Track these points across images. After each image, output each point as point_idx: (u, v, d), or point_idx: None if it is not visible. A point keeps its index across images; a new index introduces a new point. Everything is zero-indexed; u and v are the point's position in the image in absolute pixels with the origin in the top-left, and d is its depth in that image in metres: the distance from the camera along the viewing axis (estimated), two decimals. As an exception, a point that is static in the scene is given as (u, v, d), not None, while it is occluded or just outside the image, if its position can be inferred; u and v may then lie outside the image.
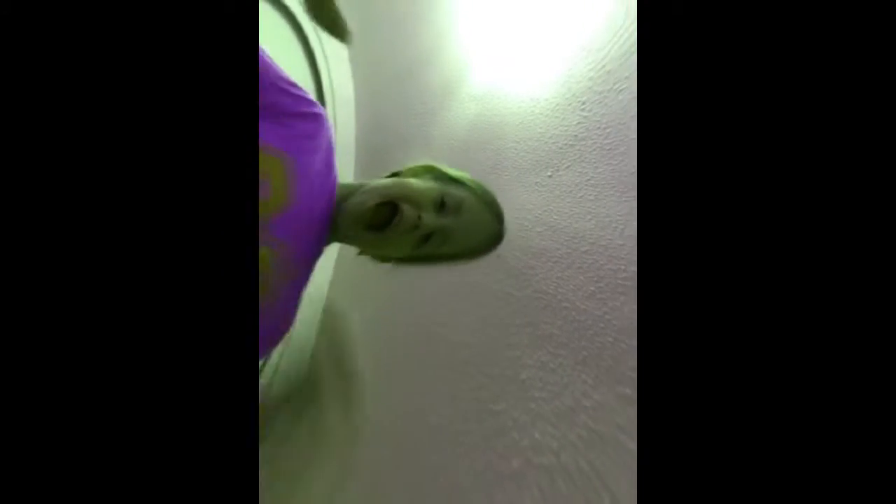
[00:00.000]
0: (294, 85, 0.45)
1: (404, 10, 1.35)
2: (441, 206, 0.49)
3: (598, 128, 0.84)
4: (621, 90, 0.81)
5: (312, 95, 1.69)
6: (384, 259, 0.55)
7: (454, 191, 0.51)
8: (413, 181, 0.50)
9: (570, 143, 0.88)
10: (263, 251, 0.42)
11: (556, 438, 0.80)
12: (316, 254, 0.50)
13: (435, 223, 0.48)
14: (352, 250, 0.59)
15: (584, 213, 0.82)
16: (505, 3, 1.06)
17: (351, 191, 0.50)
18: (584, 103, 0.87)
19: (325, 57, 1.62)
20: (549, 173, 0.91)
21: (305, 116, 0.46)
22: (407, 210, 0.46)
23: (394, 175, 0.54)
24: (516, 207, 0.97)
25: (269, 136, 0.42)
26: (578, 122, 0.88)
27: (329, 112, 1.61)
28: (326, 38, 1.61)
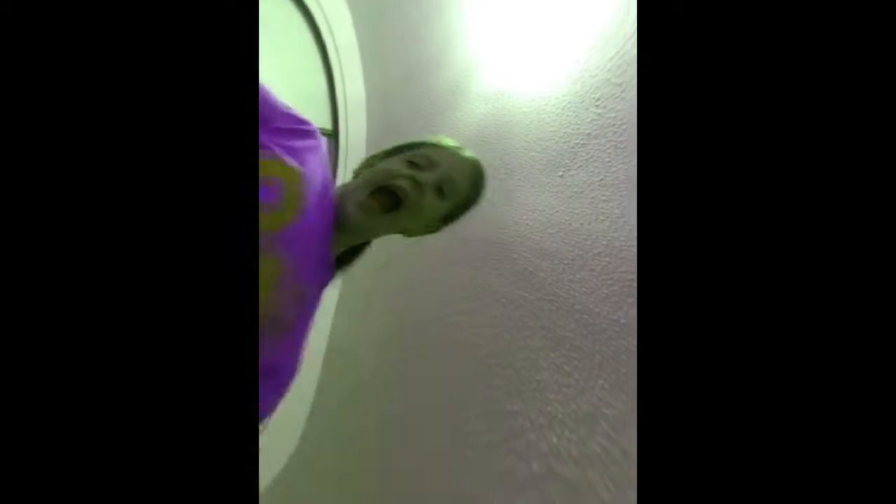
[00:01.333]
0: (288, 107, 0.51)
1: (414, 12, 1.34)
2: (416, 166, 0.52)
3: (613, 125, 0.81)
4: (639, 82, 0.77)
5: (326, 98, 1.71)
6: (434, 228, 0.59)
7: (412, 152, 0.55)
8: (379, 167, 0.54)
9: (583, 141, 0.85)
10: (269, 262, 0.42)
11: (577, 445, 0.79)
12: (321, 277, 0.50)
13: (429, 176, 0.51)
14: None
15: (597, 214, 0.80)
16: (515, 2, 1.04)
17: (341, 200, 0.53)
18: (598, 99, 0.85)
19: (339, 59, 1.63)
20: (560, 173, 0.89)
21: (305, 134, 0.51)
22: (399, 182, 0.49)
23: (355, 177, 0.59)
24: (527, 208, 0.96)
25: (281, 151, 0.46)
26: (592, 120, 0.85)
27: (341, 114, 1.63)
28: (341, 40, 1.62)
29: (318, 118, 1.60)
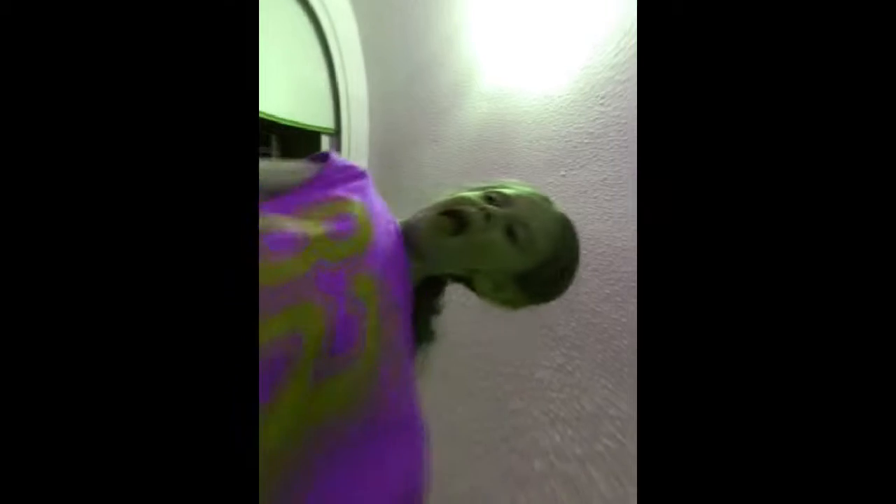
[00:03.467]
0: (343, 161, 0.54)
1: (416, 10, 1.34)
2: (491, 200, 0.50)
3: (617, 123, 0.80)
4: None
5: (328, 94, 1.70)
6: (510, 296, 0.54)
7: (491, 188, 0.53)
8: (456, 193, 0.53)
9: (586, 140, 0.85)
10: (364, 280, 0.42)
11: (579, 444, 0.79)
12: (406, 300, 0.49)
13: (500, 211, 0.49)
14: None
15: (599, 214, 0.79)
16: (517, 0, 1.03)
17: (409, 224, 0.53)
18: (602, 97, 0.84)
19: (342, 57, 1.63)
20: (563, 173, 0.88)
21: (358, 176, 0.53)
22: (467, 208, 0.48)
23: None
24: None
25: (346, 192, 0.49)
26: (595, 119, 0.84)
27: (343, 112, 1.63)
28: (343, 37, 1.62)
29: (321, 116, 1.60)
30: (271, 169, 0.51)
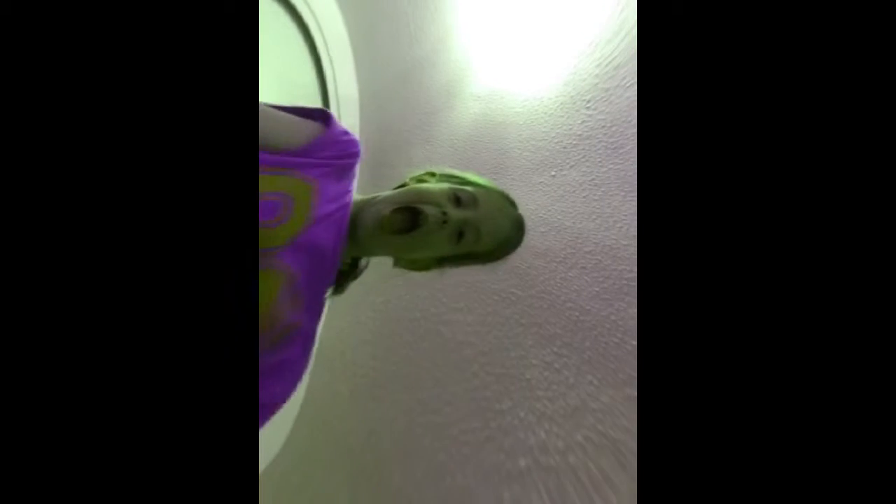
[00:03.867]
0: (346, 133, 0.50)
1: (408, 11, 1.35)
2: (457, 201, 0.49)
3: (604, 126, 0.83)
4: (629, 86, 0.80)
5: (317, 94, 1.68)
6: (423, 266, 0.54)
7: (464, 186, 0.51)
8: (423, 185, 0.52)
9: (575, 142, 0.87)
10: (271, 274, 0.41)
11: (563, 439, 0.80)
12: (324, 286, 0.49)
13: (460, 215, 0.48)
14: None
15: (588, 213, 0.81)
16: (509, 3, 1.06)
17: (363, 205, 0.51)
18: (589, 101, 0.87)
19: (330, 57, 1.62)
20: (552, 173, 0.90)
21: (345, 156, 0.49)
22: (428, 209, 0.47)
23: (400, 186, 0.54)
24: (520, 207, 0.97)
25: (295, 167, 0.44)
26: (583, 121, 0.87)
27: (332, 111, 1.62)
28: (331, 37, 1.61)
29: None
30: (272, 118, 0.47)
